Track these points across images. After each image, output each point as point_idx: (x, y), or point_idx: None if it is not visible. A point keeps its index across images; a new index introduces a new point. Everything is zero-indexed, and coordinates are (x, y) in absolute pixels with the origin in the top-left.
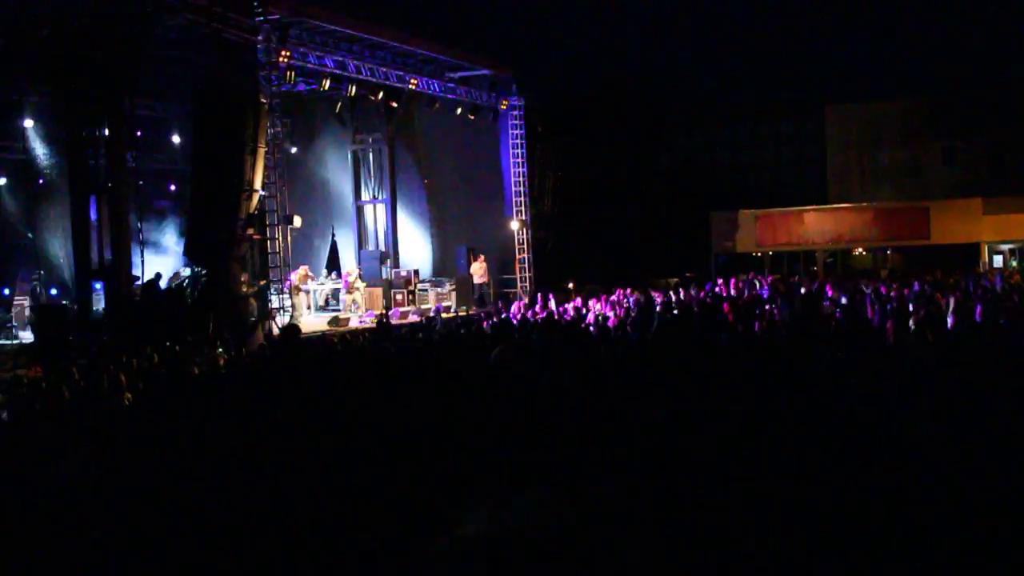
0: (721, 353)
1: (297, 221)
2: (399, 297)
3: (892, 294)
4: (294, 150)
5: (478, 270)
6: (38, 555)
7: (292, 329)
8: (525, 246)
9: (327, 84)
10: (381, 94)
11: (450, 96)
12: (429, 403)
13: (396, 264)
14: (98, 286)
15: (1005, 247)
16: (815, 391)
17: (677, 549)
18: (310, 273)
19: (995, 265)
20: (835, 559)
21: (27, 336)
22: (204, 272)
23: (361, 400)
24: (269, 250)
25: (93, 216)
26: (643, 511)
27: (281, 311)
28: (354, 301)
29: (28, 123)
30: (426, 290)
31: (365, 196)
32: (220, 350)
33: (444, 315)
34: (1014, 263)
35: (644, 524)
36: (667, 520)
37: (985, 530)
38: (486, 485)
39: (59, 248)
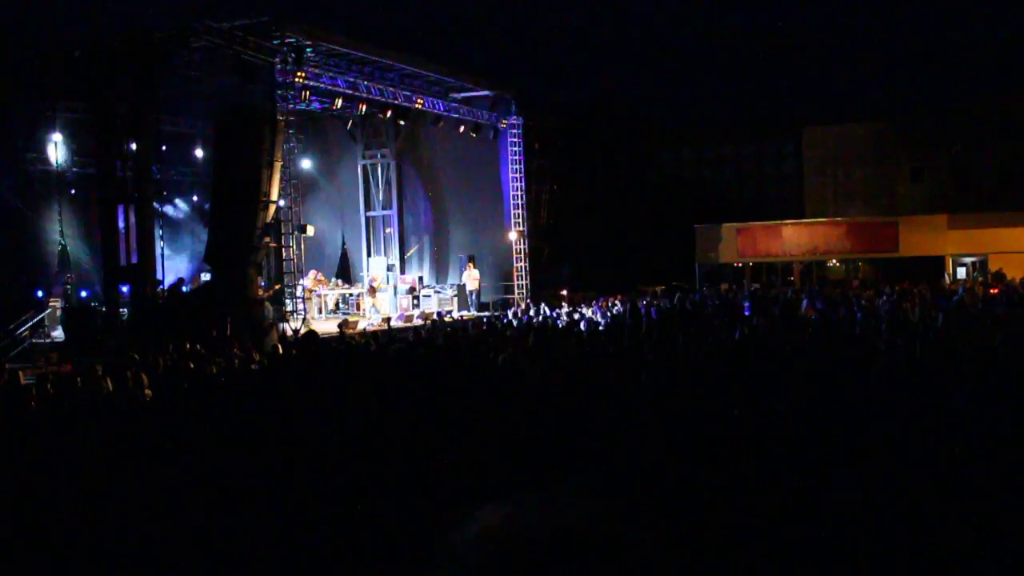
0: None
1: (310, 230)
2: (404, 302)
3: (864, 302)
4: (308, 164)
5: (469, 277)
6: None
7: (310, 335)
8: (522, 255)
9: (339, 103)
10: (389, 113)
11: (454, 115)
12: (441, 400)
13: (402, 271)
14: (125, 289)
15: (968, 260)
16: (796, 393)
17: (691, 545)
18: (321, 278)
19: (959, 276)
20: (819, 555)
21: (59, 335)
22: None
23: (373, 398)
24: (284, 257)
25: (120, 224)
26: (658, 506)
27: (294, 314)
28: (373, 305)
29: (58, 136)
30: (429, 296)
31: (374, 207)
32: (237, 350)
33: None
34: (976, 275)
35: (658, 519)
36: (682, 517)
37: (948, 521)
38: (503, 481)
39: (88, 253)
